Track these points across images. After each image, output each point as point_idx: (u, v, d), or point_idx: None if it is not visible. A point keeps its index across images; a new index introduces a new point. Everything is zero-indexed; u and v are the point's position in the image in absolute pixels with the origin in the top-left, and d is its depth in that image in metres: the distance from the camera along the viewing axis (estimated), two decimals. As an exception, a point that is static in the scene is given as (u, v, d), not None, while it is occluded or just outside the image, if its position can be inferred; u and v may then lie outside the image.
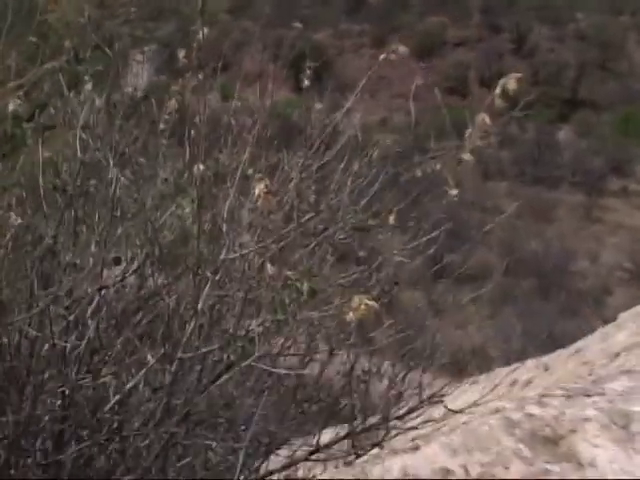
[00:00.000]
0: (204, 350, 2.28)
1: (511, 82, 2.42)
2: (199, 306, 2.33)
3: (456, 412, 2.69)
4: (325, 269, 2.75)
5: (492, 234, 34.64)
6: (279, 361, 2.61)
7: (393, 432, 2.76)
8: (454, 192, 2.63)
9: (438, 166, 2.73)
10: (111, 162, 2.73)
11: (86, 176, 2.69)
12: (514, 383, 3.29)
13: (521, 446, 1.86)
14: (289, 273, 2.23)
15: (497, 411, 2.07)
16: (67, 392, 2.25)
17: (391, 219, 2.97)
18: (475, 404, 2.67)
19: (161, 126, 3.26)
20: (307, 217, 2.74)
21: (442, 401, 2.57)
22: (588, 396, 2.07)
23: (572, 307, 28.75)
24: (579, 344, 3.45)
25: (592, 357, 2.99)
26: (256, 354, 2.23)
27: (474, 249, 35.79)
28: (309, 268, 2.51)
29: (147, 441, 2.23)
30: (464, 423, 2.19)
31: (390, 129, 43.14)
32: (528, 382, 3.19)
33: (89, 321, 2.45)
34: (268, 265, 2.28)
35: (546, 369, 3.24)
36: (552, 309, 27.67)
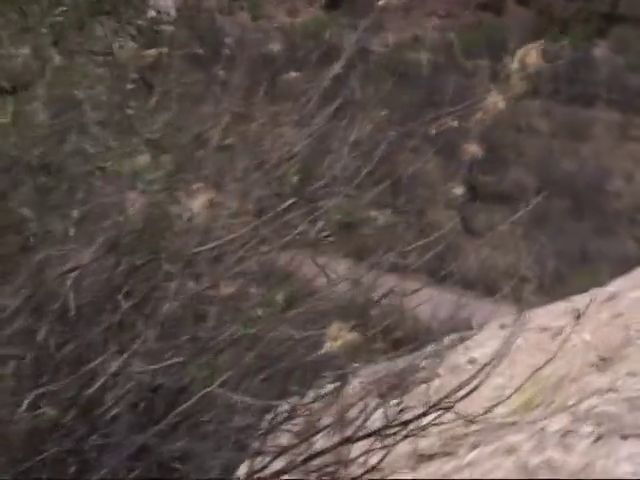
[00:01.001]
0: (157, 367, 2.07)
1: (531, 54, 2.17)
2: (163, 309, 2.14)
3: (469, 420, 2.58)
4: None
5: (526, 154, 34.23)
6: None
7: (394, 440, 2.53)
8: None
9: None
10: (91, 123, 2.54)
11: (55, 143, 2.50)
12: (544, 330, 3.20)
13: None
14: (251, 291, 2.07)
15: (512, 451, 2.01)
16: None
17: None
18: (492, 408, 2.53)
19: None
20: (283, 207, 2.49)
21: (452, 406, 2.42)
22: (624, 438, 1.93)
23: (607, 227, 28.49)
24: (613, 287, 3.35)
25: (626, 308, 2.91)
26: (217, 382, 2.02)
27: (508, 170, 35.51)
28: (283, 277, 2.34)
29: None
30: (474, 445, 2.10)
31: (423, 47, 42.36)
32: (557, 333, 3.10)
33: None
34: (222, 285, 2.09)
35: (577, 317, 3.15)
36: (586, 229, 27.45)
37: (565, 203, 30.48)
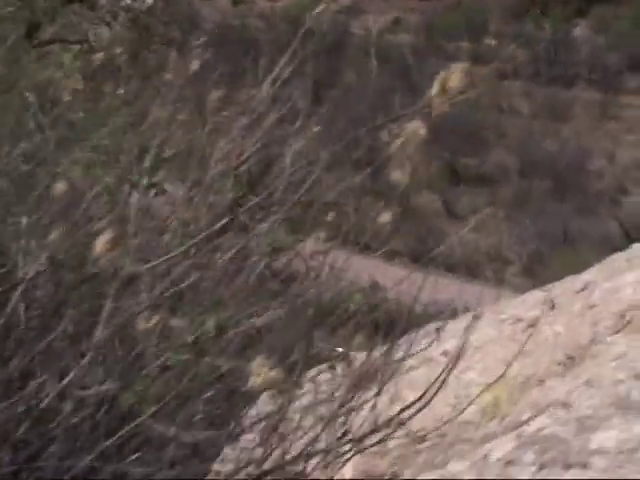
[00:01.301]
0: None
1: (453, 78, 1.96)
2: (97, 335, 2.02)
3: (420, 440, 2.49)
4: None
5: (508, 135, 34.28)
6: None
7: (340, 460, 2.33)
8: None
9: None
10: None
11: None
12: (518, 321, 3.16)
13: None
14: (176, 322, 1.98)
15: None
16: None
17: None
18: (446, 422, 2.43)
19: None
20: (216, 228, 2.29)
21: (403, 424, 2.27)
22: (567, 467, 1.85)
23: (588, 207, 28.61)
24: (588, 275, 3.30)
25: (600, 299, 2.87)
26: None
27: (490, 152, 35.48)
28: (217, 301, 2.21)
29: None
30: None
31: (403, 30, 42.28)
32: (531, 324, 3.07)
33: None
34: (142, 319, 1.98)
35: (552, 307, 3.12)
36: (568, 209, 27.55)
37: (546, 184, 30.60)
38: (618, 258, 3.29)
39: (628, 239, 17.97)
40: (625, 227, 25.16)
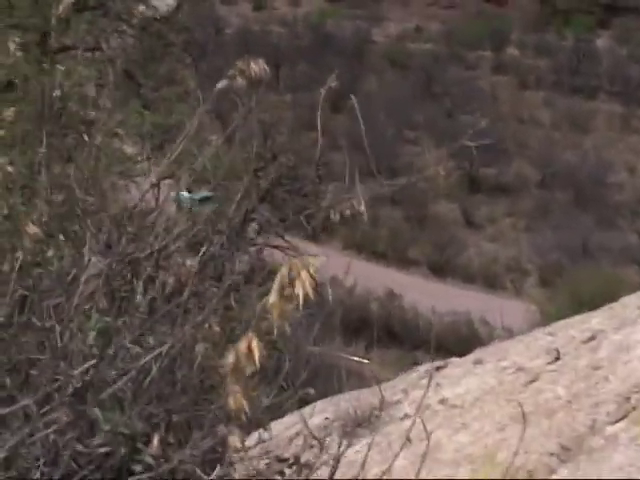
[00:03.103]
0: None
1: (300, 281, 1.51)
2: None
3: None
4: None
5: (528, 146, 34.10)
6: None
7: None
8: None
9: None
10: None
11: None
12: (519, 370, 3.00)
13: None
14: None
15: None
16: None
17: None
18: None
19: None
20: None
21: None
22: None
23: (608, 219, 28.38)
24: (595, 321, 3.13)
25: (607, 357, 2.69)
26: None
27: (510, 162, 35.23)
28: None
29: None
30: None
31: (425, 38, 42.21)
32: (533, 379, 2.90)
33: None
34: None
35: (557, 357, 2.95)
36: (588, 221, 27.34)
37: (567, 195, 30.38)
38: (629, 303, 3.12)
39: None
40: (645, 240, 24.91)
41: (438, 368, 3.19)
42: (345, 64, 29.86)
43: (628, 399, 2.35)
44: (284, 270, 1.44)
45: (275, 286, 1.45)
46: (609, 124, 35.86)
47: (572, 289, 13.60)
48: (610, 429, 2.28)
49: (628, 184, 31.47)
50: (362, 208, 2.23)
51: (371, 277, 27.15)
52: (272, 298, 1.45)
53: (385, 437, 2.70)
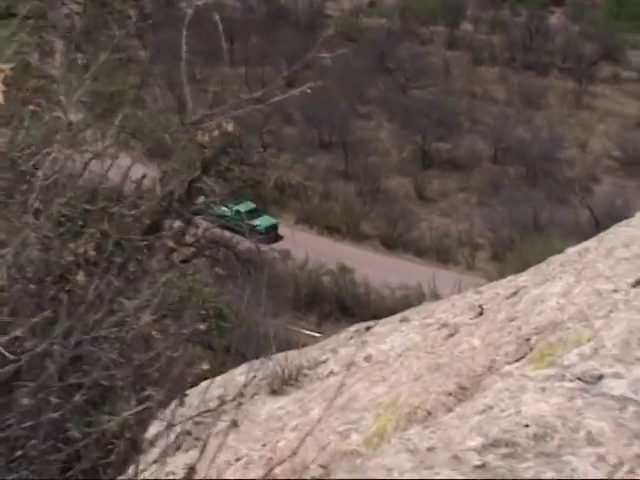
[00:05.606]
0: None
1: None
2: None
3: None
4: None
5: (482, 121, 34.28)
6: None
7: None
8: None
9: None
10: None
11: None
12: (443, 326, 3.02)
13: None
14: None
15: None
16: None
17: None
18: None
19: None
20: None
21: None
22: None
23: (559, 195, 28.71)
24: (522, 278, 3.16)
25: (522, 309, 2.72)
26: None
27: (463, 137, 35.45)
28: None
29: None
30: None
31: (379, 13, 42.07)
32: (454, 332, 2.92)
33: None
34: None
35: (480, 313, 2.98)
36: (539, 196, 27.62)
37: (519, 171, 30.65)
38: (554, 261, 3.16)
39: (597, 226, 18.01)
40: (595, 215, 25.26)
41: (368, 328, 3.21)
42: (298, 38, 29.66)
43: (528, 340, 2.43)
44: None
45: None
46: (561, 100, 36.17)
47: (521, 262, 13.78)
48: (507, 368, 2.35)
49: (579, 160, 31.84)
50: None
51: (323, 251, 27.24)
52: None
53: (309, 393, 2.73)
